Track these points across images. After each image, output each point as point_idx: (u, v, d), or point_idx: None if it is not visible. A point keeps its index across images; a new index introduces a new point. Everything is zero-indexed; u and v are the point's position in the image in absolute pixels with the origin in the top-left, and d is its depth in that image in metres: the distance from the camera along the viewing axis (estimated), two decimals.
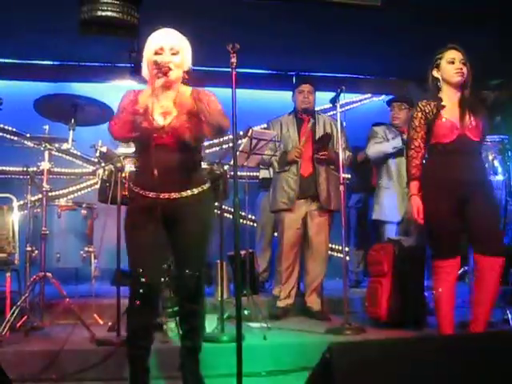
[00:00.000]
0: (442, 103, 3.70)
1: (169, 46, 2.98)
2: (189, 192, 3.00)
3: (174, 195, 2.96)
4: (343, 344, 3.42)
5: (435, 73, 3.76)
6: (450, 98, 3.72)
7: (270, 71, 7.48)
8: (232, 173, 3.11)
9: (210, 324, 4.18)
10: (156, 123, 2.95)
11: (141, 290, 2.92)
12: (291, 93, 5.25)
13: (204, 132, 2.98)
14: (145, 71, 3.06)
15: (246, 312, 4.56)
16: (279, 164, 4.99)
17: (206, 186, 3.09)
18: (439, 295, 3.69)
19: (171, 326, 4.02)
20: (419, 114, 3.73)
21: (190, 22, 3.63)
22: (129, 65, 6.61)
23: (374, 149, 5.21)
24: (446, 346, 2.41)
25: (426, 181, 3.72)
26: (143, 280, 2.91)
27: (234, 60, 2.74)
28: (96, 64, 7.12)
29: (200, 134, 3.01)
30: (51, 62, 7.12)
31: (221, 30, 5.24)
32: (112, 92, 6.34)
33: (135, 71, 6.37)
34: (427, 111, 3.70)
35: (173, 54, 2.98)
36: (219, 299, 4.42)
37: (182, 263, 3.11)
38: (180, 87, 3.06)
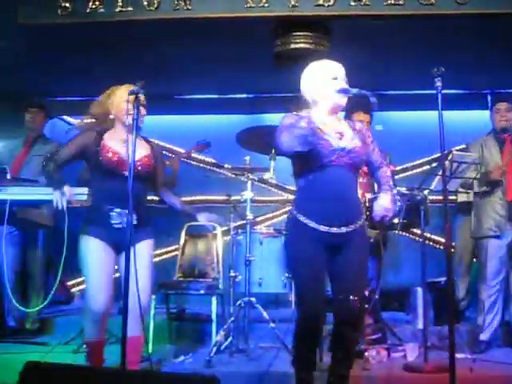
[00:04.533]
0: None
1: (342, 75, 3.16)
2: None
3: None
4: None
5: None
6: None
7: (463, 91, 7.20)
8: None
9: (412, 353, 4.11)
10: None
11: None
12: (484, 112, 5.06)
13: None
14: (313, 92, 3.18)
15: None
16: (479, 185, 4.77)
17: None
18: None
19: (372, 354, 4.02)
20: None
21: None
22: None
23: None
24: None
25: None
26: None
27: (439, 84, 2.72)
28: (288, 94, 7.33)
29: None
30: (246, 95, 7.49)
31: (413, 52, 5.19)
32: None
33: None
34: None
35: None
36: (419, 327, 4.32)
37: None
38: None
